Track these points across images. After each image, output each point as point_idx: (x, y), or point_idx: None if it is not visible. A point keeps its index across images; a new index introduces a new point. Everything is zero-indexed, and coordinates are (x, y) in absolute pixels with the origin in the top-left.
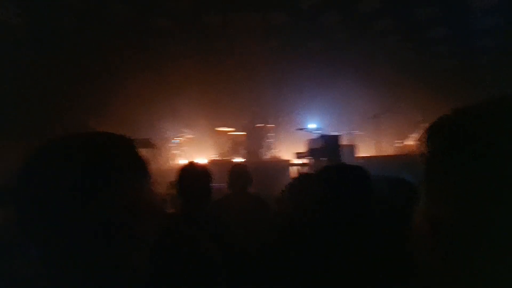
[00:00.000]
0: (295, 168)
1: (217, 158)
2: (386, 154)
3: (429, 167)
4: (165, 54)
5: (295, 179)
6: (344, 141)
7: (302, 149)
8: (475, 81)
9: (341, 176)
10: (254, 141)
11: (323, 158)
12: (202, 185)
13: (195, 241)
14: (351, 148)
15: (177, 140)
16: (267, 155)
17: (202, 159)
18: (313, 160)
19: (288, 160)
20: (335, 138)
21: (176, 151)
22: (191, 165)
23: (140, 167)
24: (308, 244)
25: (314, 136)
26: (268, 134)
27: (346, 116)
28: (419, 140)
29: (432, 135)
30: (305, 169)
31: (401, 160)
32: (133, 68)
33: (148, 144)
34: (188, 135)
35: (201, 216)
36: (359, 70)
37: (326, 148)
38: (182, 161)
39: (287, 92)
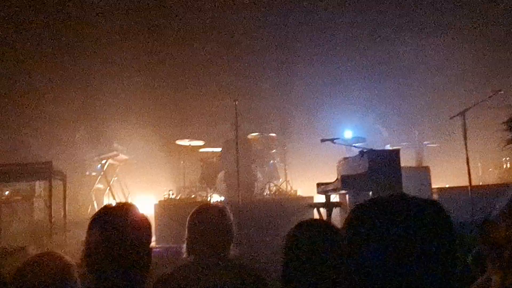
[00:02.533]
0: (317, 210)
1: (172, 196)
2: (486, 182)
3: None
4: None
5: (318, 233)
6: (406, 160)
7: (329, 176)
8: None
9: (413, 225)
10: (244, 163)
11: (368, 192)
12: (136, 248)
13: None
14: (423, 172)
15: (102, 163)
16: (266, 189)
17: (142, 199)
18: (350, 195)
19: (305, 197)
20: (391, 156)
21: (98, 185)
22: (118, 210)
23: None
24: None
25: (350, 152)
26: (269, 151)
27: (406, 117)
28: None
29: None
30: (337, 213)
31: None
32: None
33: (42, 172)
34: (123, 155)
35: None
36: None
37: (373, 172)
38: (109, 202)
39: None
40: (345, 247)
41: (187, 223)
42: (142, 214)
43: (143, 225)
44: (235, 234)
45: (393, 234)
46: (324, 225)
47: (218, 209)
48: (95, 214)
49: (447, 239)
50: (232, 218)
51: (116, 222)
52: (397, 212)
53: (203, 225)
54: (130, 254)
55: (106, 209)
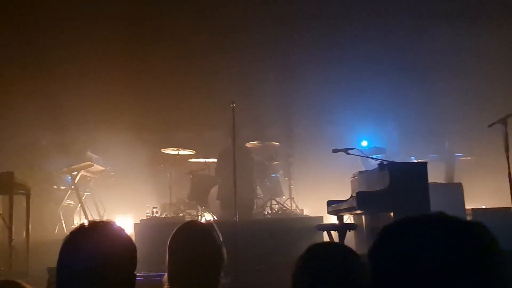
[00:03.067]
0: (327, 234)
1: (155, 215)
2: None
3: None
4: None
5: (334, 258)
6: (435, 175)
7: (342, 193)
8: None
9: (455, 251)
10: (242, 176)
11: (389, 212)
12: (118, 275)
13: None
14: (454, 189)
15: (72, 174)
16: (267, 207)
17: (120, 218)
18: (367, 216)
19: (312, 218)
20: (417, 170)
21: (68, 201)
22: (97, 230)
23: None
24: None
25: (367, 165)
26: (271, 163)
27: (434, 125)
28: None
29: None
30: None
31: None
32: None
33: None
34: (98, 165)
35: None
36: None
37: (395, 189)
38: (81, 222)
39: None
40: (369, 276)
41: (167, 248)
42: (126, 235)
43: (127, 248)
44: (226, 261)
45: (432, 260)
46: (341, 248)
47: (203, 229)
48: (68, 234)
49: (495, 267)
50: (221, 240)
51: (94, 245)
52: (435, 235)
53: (185, 251)
54: (111, 284)
55: (83, 229)
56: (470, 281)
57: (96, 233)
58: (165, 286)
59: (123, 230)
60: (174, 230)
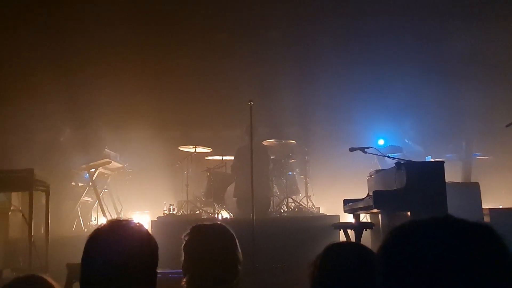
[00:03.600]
0: (343, 232)
1: (172, 212)
2: None
3: None
4: None
5: (354, 258)
6: (452, 175)
7: (359, 192)
8: None
9: (460, 254)
10: (258, 174)
11: (405, 211)
12: (137, 270)
13: None
14: (471, 189)
15: (90, 171)
16: (284, 205)
17: (137, 215)
18: (384, 215)
19: (329, 216)
20: (434, 169)
21: (86, 198)
22: (115, 228)
23: None
24: None
25: (384, 164)
26: (287, 161)
27: (451, 123)
28: None
29: None
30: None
31: None
32: None
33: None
34: (116, 162)
35: None
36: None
37: (411, 188)
38: (103, 221)
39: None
40: (380, 276)
41: (182, 249)
42: (148, 234)
43: (149, 246)
44: (241, 261)
45: (437, 263)
46: (360, 248)
47: (217, 230)
48: (94, 231)
49: (502, 271)
50: (235, 239)
51: (118, 241)
52: (442, 237)
53: (199, 251)
54: (133, 280)
55: (108, 226)
56: (476, 283)
57: (120, 231)
58: (183, 283)
59: (145, 229)
60: (188, 230)
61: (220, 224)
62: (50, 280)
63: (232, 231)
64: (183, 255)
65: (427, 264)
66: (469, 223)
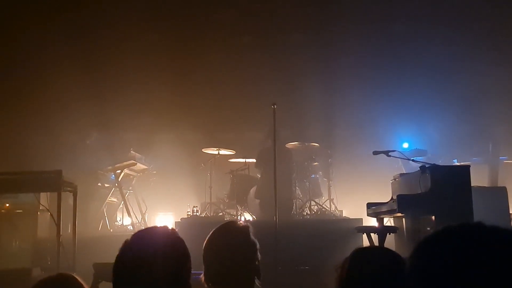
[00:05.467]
0: (367, 236)
1: (196, 214)
2: None
3: None
4: None
5: (383, 262)
6: (478, 179)
7: (382, 195)
8: None
9: (494, 262)
10: (281, 176)
11: (430, 216)
12: (172, 277)
13: None
14: (498, 193)
15: (116, 173)
16: (306, 208)
17: (161, 216)
18: (408, 219)
19: (352, 220)
20: (459, 173)
21: (111, 198)
22: (150, 232)
23: None
24: None
25: (408, 167)
26: (310, 164)
27: (478, 126)
28: None
29: None
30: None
31: None
32: None
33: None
34: (141, 164)
35: None
36: None
37: (436, 192)
38: (128, 222)
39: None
40: (413, 283)
41: (203, 248)
42: (181, 241)
43: (183, 252)
44: (260, 263)
45: (471, 271)
46: (388, 253)
47: (241, 230)
48: (133, 235)
49: None
50: (256, 242)
51: (153, 245)
52: (475, 245)
53: (220, 252)
54: (166, 281)
55: (144, 231)
56: None
57: (154, 235)
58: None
59: (178, 236)
60: (212, 231)
61: (243, 225)
62: (79, 279)
63: (253, 237)
64: (203, 259)
65: (462, 273)
66: (501, 231)
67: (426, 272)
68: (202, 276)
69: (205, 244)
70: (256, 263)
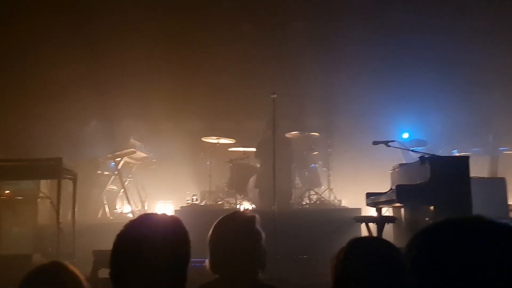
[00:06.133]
0: (365, 225)
1: (195, 202)
2: None
3: None
4: None
5: (378, 253)
6: (477, 169)
7: (381, 185)
8: None
9: (491, 255)
10: (281, 166)
11: (429, 206)
12: (171, 263)
13: None
14: (497, 184)
15: (116, 161)
16: (306, 197)
17: (161, 204)
18: (407, 209)
19: (351, 209)
20: (459, 163)
21: (111, 186)
22: (149, 218)
23: None
24: None
25: (408, 157)
26: (310, 154)
27: (478, 116)
28: None
29: None
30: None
31: None
32: None
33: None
34: (141, 152)
35: None
36: None
37: (435, 183)
38: (127, 209)
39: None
40: (410, 274)
41: (209, 236)
42: (183, 229)
43: (182, 237)
44: (265, 254)
45: (468, 264)
46: (384, 244)
47: (247, 219)
48: (128, 222)
49: None
50: (262, 232)
51: (152, 232)
52: (472, 238)
53: (226, 241)
54: (164, 269)
55: (143, 217)
56: (506, 285)
57: (153, 221)
58: (208, 271)
59: (179, 221)
60: (218, 220)
61: (250, 215)
62: (72, 267)
63: (259, 227)
64: (209, 246)
65: (459, 265)
66: (499, 225)
67: (421, 262)
68: (207, 263)
69: (211, 232)
70: (261, 253)
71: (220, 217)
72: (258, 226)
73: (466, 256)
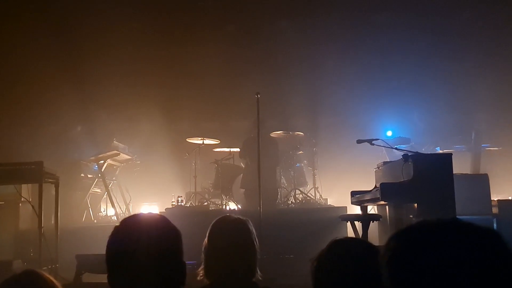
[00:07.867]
0: (351, 224)
1: (180, 203)
2: None
3: None
4: None
5: (356, 257)
6: (460, 166)
7: (366, 183)
8: None
9: (467, 259)
10: (266, 165)
11: (413, 203)
12: (168, 262)
13: None
14: (480, 180)
15: (99, 163)
16: (291, 197)
17: (145, 206)
18: (391, 207)
19: (336, 208)
20: (442, 161)
21: (95, 189)
22: (140, 218)
23: None
24: None
25: (392, 155)
26: (295, 153)
27: (460, 114)
28: None
29: None
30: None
31: None
32: None
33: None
34: (124, 154)
35: None
36: None
37: (419, 180)
38: (112, 212)
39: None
40: (387, 279)
41: (205, 240)
42: (172, 225)
43: (175, 235)
44: (258, 255)
45: (444, 268)
46: (364, 246)
47: (241, 224)
48: (120, 222)
49: (507, 277)
50: (255, 234)
51: (146, 231)
52: (448, 241)
53: (222, 244)
54: (161, 269)
55: (133, 217)
56: None
57: (146, 221)
58: (199, 277)
59: (168, 221)
60: (212, 223)
61: (243, 218)
62: (46, 275)
63: (250, 225)
64: (203, 250)
65: (434, 269)
66: (475, 228)
67: (394, 264)
68: (201, 271)
69: (206, 240)
70: (255, 258)
71: (215, 220)
72: (252, 228)
73: (439, 258)
